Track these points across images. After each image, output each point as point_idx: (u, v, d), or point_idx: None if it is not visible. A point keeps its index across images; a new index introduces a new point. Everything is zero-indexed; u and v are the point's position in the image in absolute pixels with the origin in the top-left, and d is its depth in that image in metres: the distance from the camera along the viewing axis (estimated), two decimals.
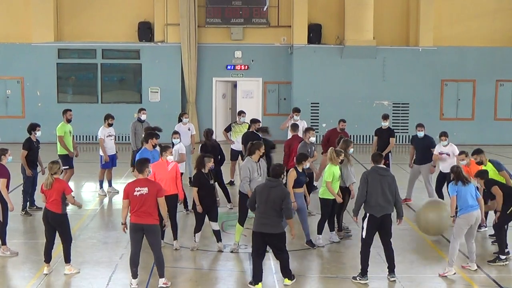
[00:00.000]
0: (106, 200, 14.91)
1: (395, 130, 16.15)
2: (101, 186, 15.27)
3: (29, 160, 13.17)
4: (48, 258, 9.66)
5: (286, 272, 9.27)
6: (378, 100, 24.61)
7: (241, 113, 16.32)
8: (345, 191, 11.50)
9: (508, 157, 20.64)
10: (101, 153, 15.00)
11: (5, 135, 23.46)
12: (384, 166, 9.98)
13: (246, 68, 25.00)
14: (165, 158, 10.71)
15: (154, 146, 11.94)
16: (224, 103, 25.75)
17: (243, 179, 10.72)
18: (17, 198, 13.30)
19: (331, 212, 11.25)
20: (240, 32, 24.68)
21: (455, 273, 9.69)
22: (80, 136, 23.27)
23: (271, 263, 10.00)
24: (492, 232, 11.57)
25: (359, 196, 9.53)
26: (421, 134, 14.22)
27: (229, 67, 25.04)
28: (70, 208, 10.01)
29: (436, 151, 13.63)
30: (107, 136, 15.01)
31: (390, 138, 15.33)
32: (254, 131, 14.62)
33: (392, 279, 9.45)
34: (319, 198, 11.21)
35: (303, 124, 15.69)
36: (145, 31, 24.69)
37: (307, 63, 24.33)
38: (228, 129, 16.38)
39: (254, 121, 15.05)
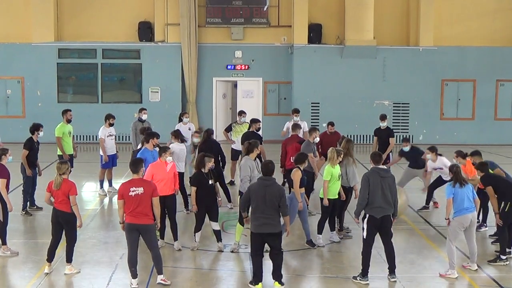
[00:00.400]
0: (106, 200, 14.91)
1: (395, 130, 16.16)
2: (101, 186, 15.28)
3: (29, 160, 13.15)
4: (50, 257, 9.67)
5: (277, 275, 9.21)
6: (379, 100, 24.56)
7: (242, 113, 16.31)
8: (347, 191, 11.51)
9: (508, 157, 20.63)
10: (101, 153, 15.01)
11: (5, 135, 23.35)
12: (385, 167, 9.95)
13: (246, 68, 24.97)
14: (164, 159, 10.72)
15: (154, 146, 11.96)
16: (224, 103, 25.73)
17: (244, 178, 10.70)
18: (17, 198, 13.30)
19: (332, 211, 11.25)
20: (240, 32, 24.66)
21: (457, 277, 9.65)
22: (80, 136, 23.27)
23: (271, 263, 9.98)
24: (492, 232, 11.58)
25: (361, 198, 9.48)
26: (406, 149, 14.26)
27: (229, 67, 25.01)
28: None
29: (429, 168, 13.60)
30: (108, 136, 15.01)
31: (390, 138, 15.33)
32: (255, 131, 14.61)
33: (393, 279, 9.45)
34: (319, 197, 11.22)
35: (303, 125, 15.74)
36: (145, 31, 24.66)
37: (307, 63, 24.30)
38: (228, 129, 16.38)
39: (254, 121, 15.05)
